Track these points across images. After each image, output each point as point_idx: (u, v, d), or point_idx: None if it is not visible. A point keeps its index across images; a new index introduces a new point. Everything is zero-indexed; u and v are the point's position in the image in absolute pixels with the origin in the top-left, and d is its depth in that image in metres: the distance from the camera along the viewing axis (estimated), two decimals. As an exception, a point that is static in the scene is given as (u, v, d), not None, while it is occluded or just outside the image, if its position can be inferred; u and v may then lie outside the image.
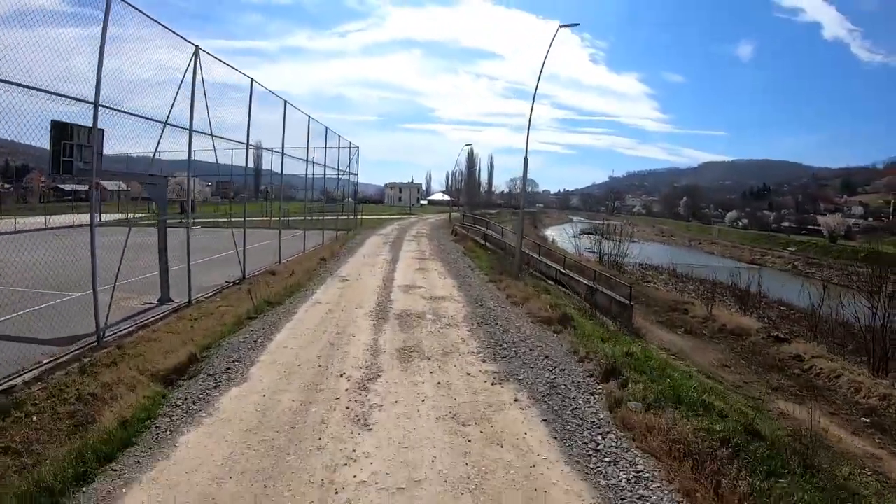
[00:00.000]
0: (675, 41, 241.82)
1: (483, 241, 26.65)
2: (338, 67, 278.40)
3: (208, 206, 54.48)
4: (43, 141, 7.84)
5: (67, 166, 8.30)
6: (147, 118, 9.96)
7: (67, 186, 61.83)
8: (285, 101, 19.21)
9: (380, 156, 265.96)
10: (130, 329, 8.99)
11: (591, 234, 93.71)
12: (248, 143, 15.63)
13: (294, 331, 9.51)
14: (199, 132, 11.92)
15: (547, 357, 8.40)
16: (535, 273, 20.38)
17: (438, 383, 7.02)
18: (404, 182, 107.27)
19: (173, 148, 11.56)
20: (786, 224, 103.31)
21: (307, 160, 23.25)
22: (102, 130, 8.53)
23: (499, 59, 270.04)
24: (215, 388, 6.62)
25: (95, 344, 7.93)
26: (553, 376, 7.50)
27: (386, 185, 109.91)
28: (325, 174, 27.27)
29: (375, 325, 10.09)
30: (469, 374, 7.43)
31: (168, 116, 10.40)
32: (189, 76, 11.20)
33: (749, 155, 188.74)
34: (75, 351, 7.56)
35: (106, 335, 8.27)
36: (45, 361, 6.98)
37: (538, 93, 19.15)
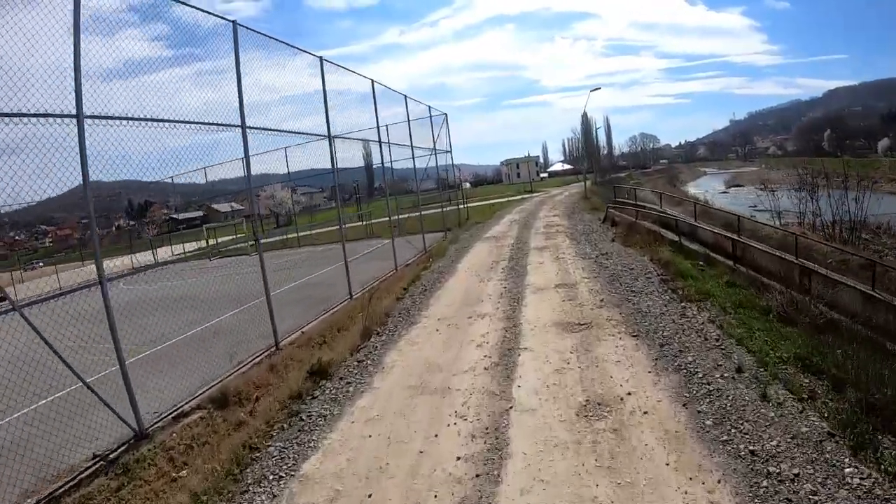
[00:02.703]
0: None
1: (672, 236, 12.92)
2: (434, 56, 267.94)
3: (319, 213, 45.57)
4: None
5: None
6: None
7: (180, 216, 57.27)
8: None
9: (492, 137, 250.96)
10: None
11: (740, 185, 73.40)
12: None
13: None
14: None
15: None
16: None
17: None
18: (520, 157, 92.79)
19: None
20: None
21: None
22: None
23: (593, 18, 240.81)
24: None
25: None
26: None
27: (502, 162, 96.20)
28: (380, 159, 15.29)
29: None
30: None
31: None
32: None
33: (876, 75, 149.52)
34: None
35: None
36: None
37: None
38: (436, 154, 21.59)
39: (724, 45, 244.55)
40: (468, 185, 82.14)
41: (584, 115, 45.59)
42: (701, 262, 10.94)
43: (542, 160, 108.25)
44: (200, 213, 61.08)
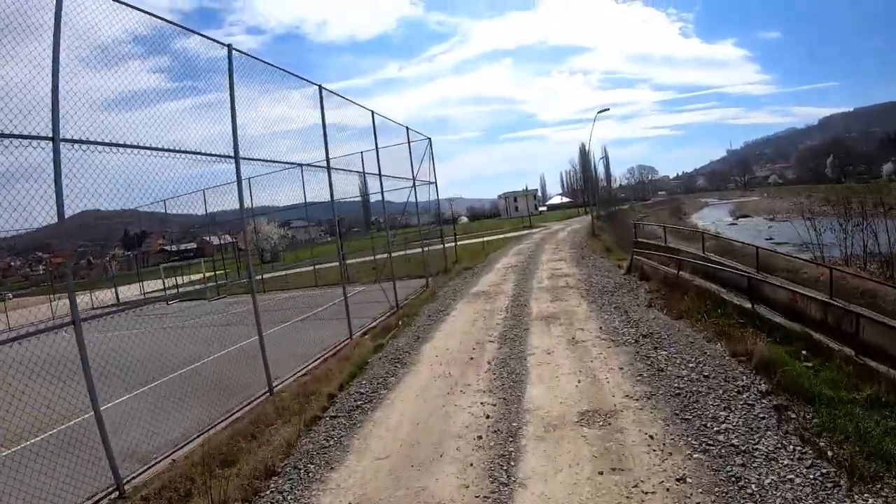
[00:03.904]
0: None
1: (738, 299, 8.70)
2: (433, 90, 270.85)
3: (304, 250, 41.78)
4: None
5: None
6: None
7: (174, 247, 53.71)
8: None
9: (491, 170, 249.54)
10: None
11: (748, 216, 69.67)
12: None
13: None
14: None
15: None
16: None
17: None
18: (518, 190, 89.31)
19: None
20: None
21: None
22: None
23: (588, 51, 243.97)
24: None
25: None
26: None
27: (499, 196, 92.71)
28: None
29: None
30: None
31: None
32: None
33: (870, 101, 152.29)
34: None
35: None
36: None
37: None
38: (415, 187, 17.65)
39: (718, 75, 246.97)
40: (465, 219, 78.42)
41: (582, 148, 42.13)
42: (805, 352, 6.74)
43: (540, 193, 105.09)
44: (194, 246, 57.54)
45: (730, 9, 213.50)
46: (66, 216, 4.82)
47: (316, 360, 9.50)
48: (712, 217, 69.79)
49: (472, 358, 7.30)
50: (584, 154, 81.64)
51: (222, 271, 35.07)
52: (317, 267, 23.80)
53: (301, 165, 11.13)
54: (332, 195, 11.25)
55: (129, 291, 31.73)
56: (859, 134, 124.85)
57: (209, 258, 41.12)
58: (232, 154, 7.86)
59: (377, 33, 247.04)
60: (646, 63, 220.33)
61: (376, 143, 14.19)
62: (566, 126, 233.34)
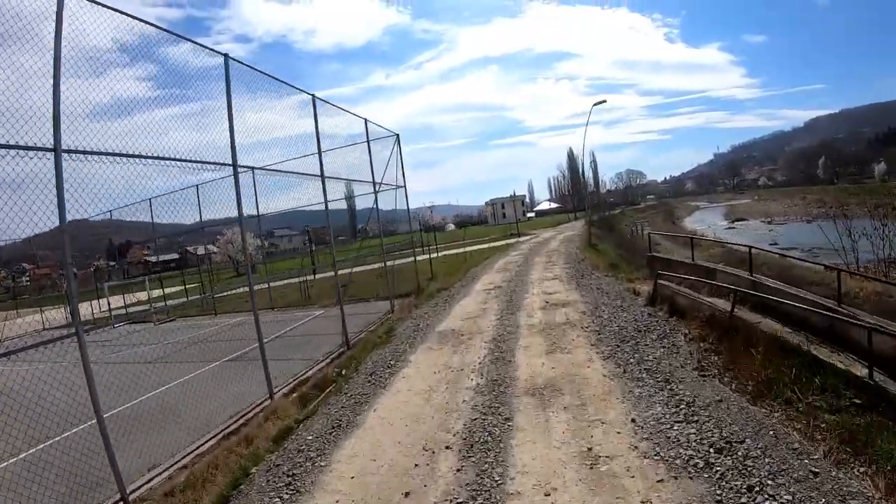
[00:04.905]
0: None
1: (842, 361, 5.55)
2: (419, 98, 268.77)
3: (279, 262, 37.90)
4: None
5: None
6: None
7: (154, 258, 50.23)
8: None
9: (478, 176, 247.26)
10: None
11: (744, 219, 67.17)
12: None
13: None
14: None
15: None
16: None
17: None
18: (506, 197, 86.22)
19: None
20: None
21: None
22: None
23: (575, 58, 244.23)
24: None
25: None
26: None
27: (486, 202, 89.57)
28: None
29: None
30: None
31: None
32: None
33: (855, 102, 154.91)
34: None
35: None
36: None
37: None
38: (377, 191, 14.38)
39: (704, 80, 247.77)
40: (452, 226, 75.24)
41: (570, 152, 39.13)
42: None
43: (528, 199, 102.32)
44: (176, 256, 54.12)
45: (714, 14, 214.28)
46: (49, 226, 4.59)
47: (212, 439, 6.36)
48: (707, 221, 67.21)
49: (407, 493, 3.98)
50: (572, 158, 79.35)
51: (181, 287, 31.52)
52: (273, 285, 20.50)
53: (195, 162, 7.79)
54: (238, 200, 7.90)
55: (83, 310, 28.10)
56: (847, 135, 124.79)
57: (155, 274, 37.63)
58: (50, 146, 4.70)
59: (364, 41, 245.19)
60: (632, 68, 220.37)
61: (318, 138, 10.91)
62: (553, 132, 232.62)
